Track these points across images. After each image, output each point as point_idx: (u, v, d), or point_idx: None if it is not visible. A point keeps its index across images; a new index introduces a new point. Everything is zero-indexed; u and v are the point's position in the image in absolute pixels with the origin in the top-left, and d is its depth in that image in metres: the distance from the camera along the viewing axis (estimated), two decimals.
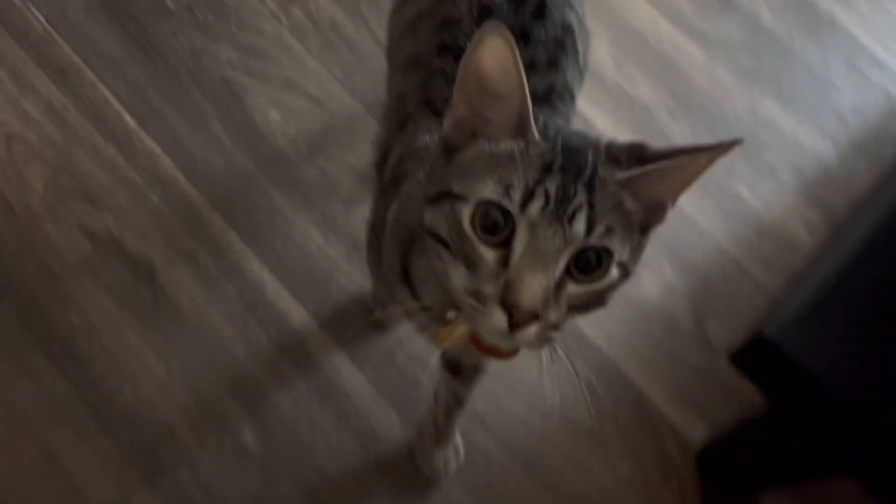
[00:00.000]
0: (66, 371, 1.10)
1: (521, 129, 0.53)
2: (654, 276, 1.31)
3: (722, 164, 1.48)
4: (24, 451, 1.06)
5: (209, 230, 1.22)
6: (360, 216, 1.26)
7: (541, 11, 0.78)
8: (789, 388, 0.83)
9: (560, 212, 0.51)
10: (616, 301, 0.57)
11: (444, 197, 0.54)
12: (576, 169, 0.52)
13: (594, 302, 0.55)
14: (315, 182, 1.28)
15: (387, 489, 1.09)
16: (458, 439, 1.09)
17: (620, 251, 0.54)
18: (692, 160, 0.52)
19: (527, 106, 0.52)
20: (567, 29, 0.80)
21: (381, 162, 0.85)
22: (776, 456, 1.04)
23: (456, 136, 0.56)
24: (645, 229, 0.56)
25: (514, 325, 0.51)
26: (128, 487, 1.04)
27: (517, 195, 0.51)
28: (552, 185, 0.51)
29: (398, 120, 0.82)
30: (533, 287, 0.50)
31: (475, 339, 0.62)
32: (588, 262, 0.53)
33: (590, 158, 0.53)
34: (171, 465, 1.06)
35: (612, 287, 0.55)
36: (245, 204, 1.24)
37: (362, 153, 1.31)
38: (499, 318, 0.51)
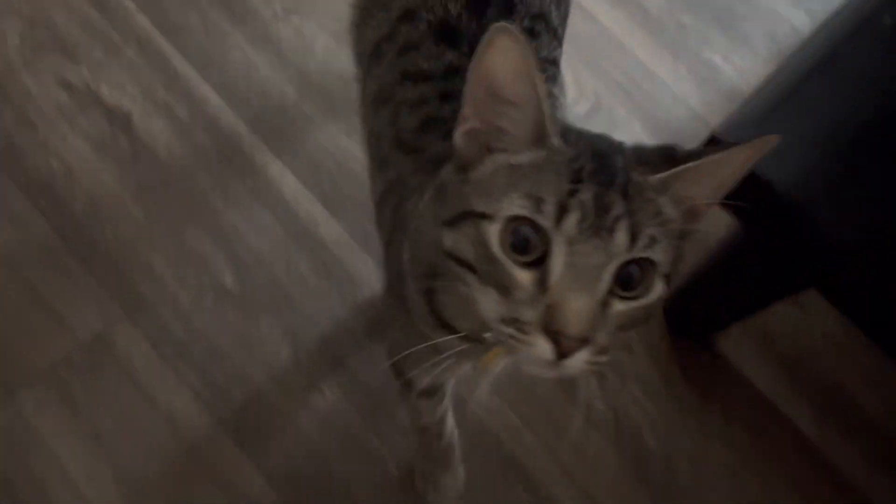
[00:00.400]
0: (48, 214, 1.12)
1: (540, 137, 0.49)
2: (626, 137, 1.33)
3: (697, 33, 1.47)
4: (10, 290, 1.09)
5: (185, 84, 1.23)
6: (335, 74, 1.27)
7: (507, 7, 0.73)
8: (742, 193, 0.86)
9: (599, 224, 0.46)
10: None
11: (465, 217, 0.49)
12: (608, 176, 0.48)
13: (640, 319, 0.50)
14: (290, 41, 1.29)
15: (361, 326, 1.12)
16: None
17: (664, 262, 0.49)
18: (729, 157, 0.49)
19: (544, 111, 0.48)
20: (538, 17, 0.75)
21: (377, 210, 0.81)
22: (738, 287, 1.08)
23: (468, 151, 0.51)
24: (682, 237, 0.51)
25: (562, 353, 0.46)
26: (111, 321, 1.08)
27: (550, 209, 0.46)
28: (587, 196, 0.46)
29: (378, 160, 0.78)
30: (580, 309, 0.46)
31: None
32: (631, 277, 0.48)
33: (620, 163, 0.49)
34: (152, 302, 1.10)
35: (658, 304, 0.50)
36: (221, 60, 1.25)
37: (336, 13, 1.31)
38: (543, 348, 0.46)
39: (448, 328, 0.62)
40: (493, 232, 0.48)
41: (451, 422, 0.97)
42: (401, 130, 0.73)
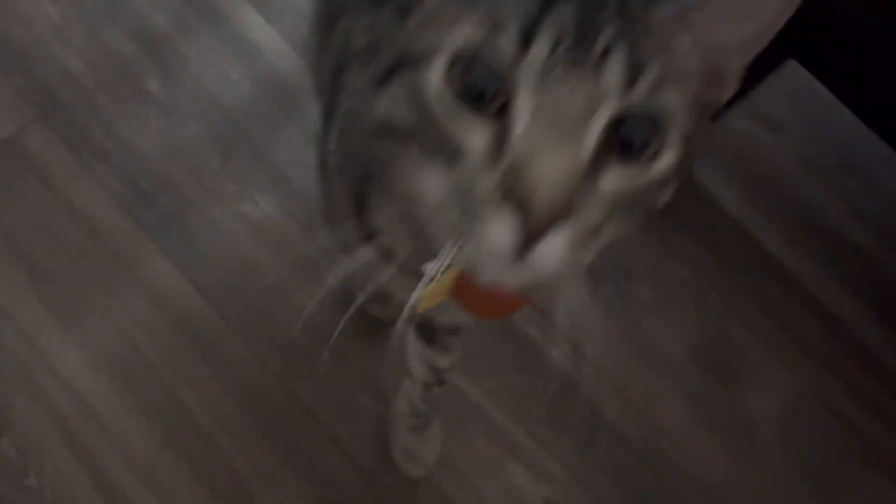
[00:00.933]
0: None
1: None
2: None
3: None
4: None
5: None
6: None
7: None
8: None
9: (582, 53, 0.33)
10: None
11: (400, 67, 0.36)
12: None
13: (646, 197, 0.37)
14: None
15: (298, 137, 1.04)
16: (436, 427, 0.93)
17: (680, 117, 0.35)
18: None
19: None
20: None
21: (317, 85, 0.67)
22: None
23: None
24: (705, 108, 0.38)
25: (530, 234, 0.33)
26: (23, 123, 1.00)
27: (511, 33, 0.33)
28: (565, 13, 0.33)
29: (329, 19, 0.63)
30: (553, 169, 0.32)
31: (460, 292, 0.46)
32: (634, 137, 0.35)
33: None
34: (70, 105, 1.02)
35: (667, 183, 0.37)
36: None
37: None
38: (502, 227, 0.33)
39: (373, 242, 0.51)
40: (434, 75, 0.34)
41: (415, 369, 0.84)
42: None
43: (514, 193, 0.32)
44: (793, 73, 0.94)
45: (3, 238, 0.94)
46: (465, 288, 0.47)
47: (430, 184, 0.36)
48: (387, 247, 0.50)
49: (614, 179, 0.35)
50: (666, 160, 0.36)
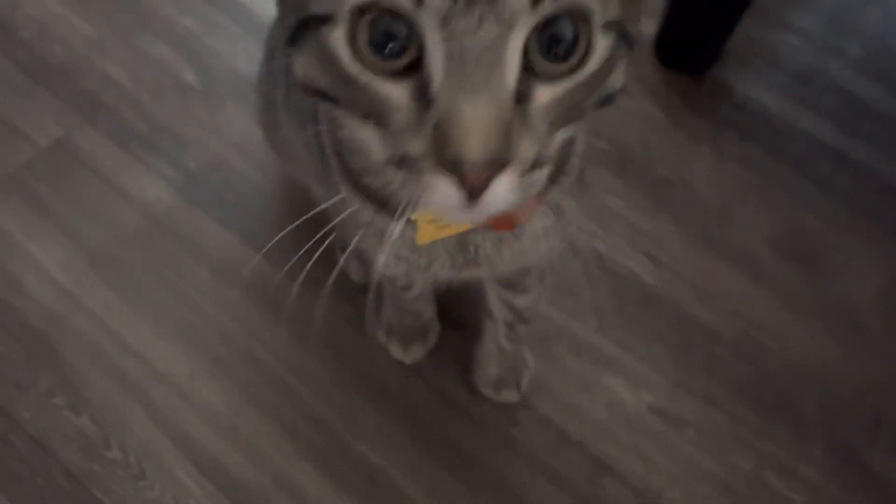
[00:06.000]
0: None
1: None
2: None
3: None
4: None
5: None
6: None
7: None
8: None
9: None
10: None
11: (307, 28, 0.34)
12: None
13: (591, 98, 0.35)
14: None
15: None
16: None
17: (602, 4, 0.32)
18: None
19: None
20: None
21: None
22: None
23: None
24: None
25: (472, 191, 0.32)
26: (71, 127, 1.02)
27: None
28: None
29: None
30: (479, 120, 0.30)
31: None
32: (558, 39, 0.32)
33: None
34: (112, 106, 1.04)
35: (612, 67, 0.35)
36: None
37: None
38: (444, 189, 0.32)
39: (361, 190, 0.49)
40: (339, 38, 0.33)
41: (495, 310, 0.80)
42: None
43: (445, 156, 0.31)
44: None
45: (63, 231, 0.95)
46: None
47: (370, 143, 0.35)
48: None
49: (547, 94, 0.33)
50: (599, 52, 0.33)
